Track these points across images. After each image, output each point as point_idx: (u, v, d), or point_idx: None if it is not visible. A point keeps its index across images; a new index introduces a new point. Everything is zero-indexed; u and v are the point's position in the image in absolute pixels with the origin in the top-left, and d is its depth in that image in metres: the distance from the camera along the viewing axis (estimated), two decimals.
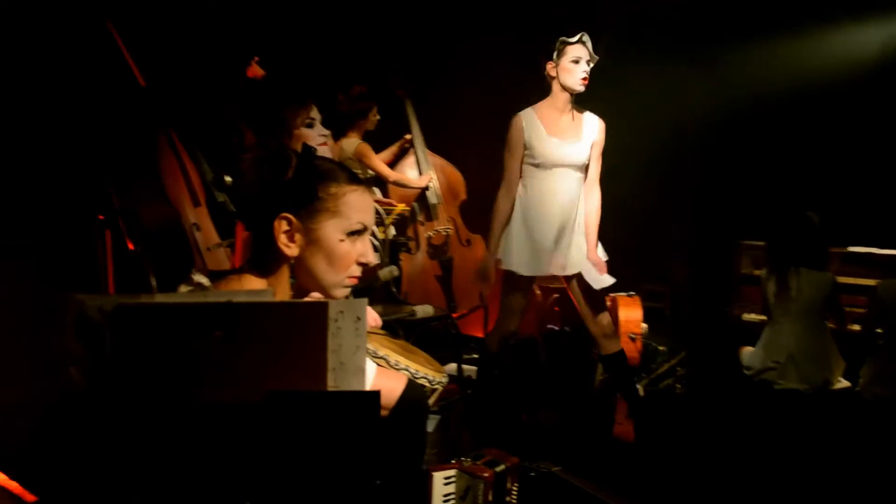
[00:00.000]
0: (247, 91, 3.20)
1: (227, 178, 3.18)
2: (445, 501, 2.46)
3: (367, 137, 4.66)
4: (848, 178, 4.64)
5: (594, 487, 2.89)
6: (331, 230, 1.54)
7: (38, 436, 1.90)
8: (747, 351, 3.87)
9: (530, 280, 3.63)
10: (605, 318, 3.56)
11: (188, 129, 3.36)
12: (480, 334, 4.98)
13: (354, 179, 1.60)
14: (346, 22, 4.72)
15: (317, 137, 2.82)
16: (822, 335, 3.64)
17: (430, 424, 3.50)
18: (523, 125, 3.49)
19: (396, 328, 3.47)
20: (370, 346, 2.55)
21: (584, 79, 3.41)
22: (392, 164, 4.90)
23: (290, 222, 1.52)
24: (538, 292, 4.66)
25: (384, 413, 2.33)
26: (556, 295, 4.67)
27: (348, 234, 1.56)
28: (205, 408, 1.02)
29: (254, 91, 3.16)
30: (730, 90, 4.99)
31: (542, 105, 3.52)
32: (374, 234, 3.85)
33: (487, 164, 5.43)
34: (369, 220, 1.60)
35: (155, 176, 3.22)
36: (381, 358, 2.52)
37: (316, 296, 1.88)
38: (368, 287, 3.64)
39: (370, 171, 4.46)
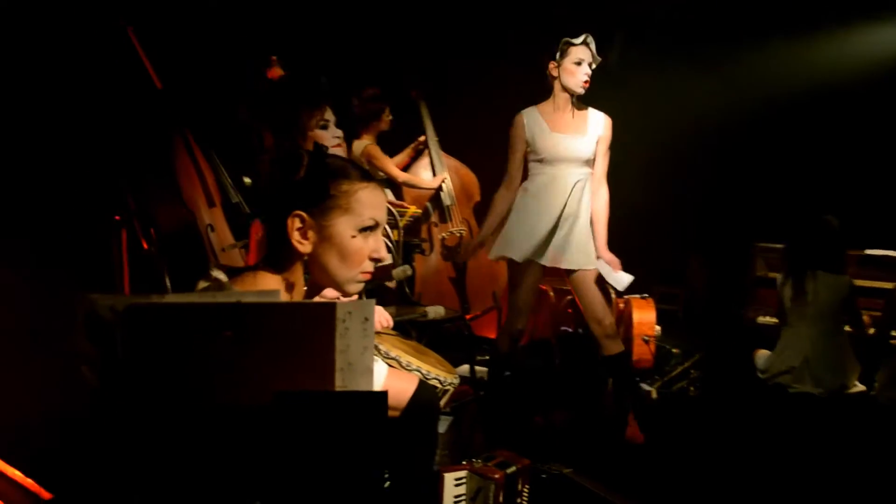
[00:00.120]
0: (262, 93, 3.22)
1: (246, 180, 3.21)
2: (456, 502, 2.47)
3: (382, 138, 4.68)
4: (864, 180, 4.61)
5: (605, 489, 2.88)
6: (343, 227, 1.56)
7: (54, 434, 1.93)
8: (762, 354, 3.85)
9: (535, 277, 3.62)
10: (607, 318, 3.56)
11: (204, 130, 3.39)
12: (493, 335, 4.99)
13: (366, 176, 1.63)
14: (359, 24, 4.74)
15: (331, 139, 2.84)
16: (839, 339, 3.62)
17: (442, 425, 3.51)
18: (525, 122, 3.53)
19: (409, 329, 3.49)
20: (382, 347, 2.55)
21: (586, 81, 3.43)
22: (408, 166, 4.91)
23: (302, 220, 1.55)
24: (551, 294, 4.66)
25: (395, 414, 2.34)
26: (569, 297, 4.67)
27: (360, 231, 1.58)
28: (214, 407, 1.03)
29: (269, 93, 3.18)
30: (746, 91, 4.98)
31: (545, 103, 3.57)
32: (387, 236, 3.87)
33: (502, 166, 5.45)
34: (381, 216, 1.62)
35: (171, 177, 3.25)
36: (392, 359, 2.53)
37: (330, 294, 1.89)
38: (382, 286, 3.66)
39: (381, 174, 4.47)
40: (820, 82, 4.80)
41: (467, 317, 4.35)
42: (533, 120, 3.53)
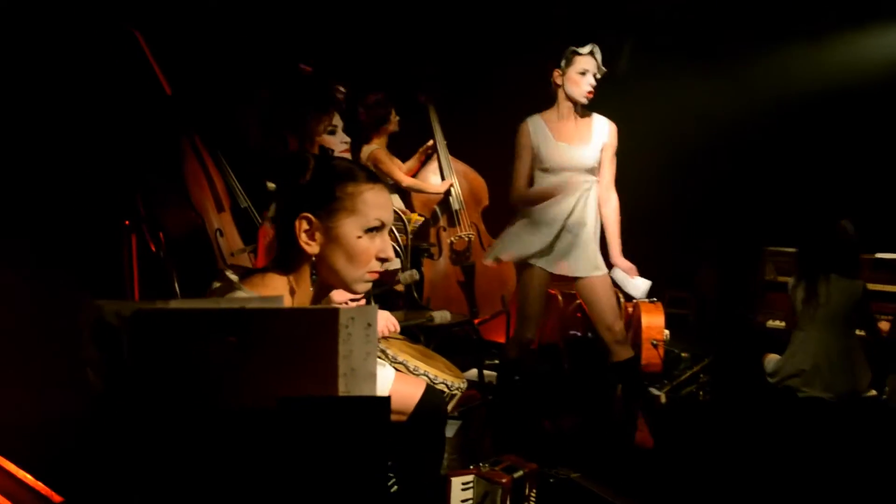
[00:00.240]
0: (271, 99, 3.24)
1: (270, 185, 3.24)
2: None
3: (393, 140, 4.70)
4: (874, 183, 4.59)
5: (613, 494, 2.88)
6: (349, 228, 1.59)
7: (64, 438, 1.94)
8: (771, 358, 3.84)
9: (543, 285, 3.61)
10: (617, 324, 3.53)
11: (213, 136, 3.41)
12: (502, 340, 4.99)
13: (371, 178, 1.65)
14: (368, 29, 4.75)
15: (339, 144, 2.85)
16: (850, 343, 3.60)
17: (451, 430, 3.52)
18: (530, 130, 3.51)
19: (417, 333, 3.49)
20: (389, 352, 2.57)
21: (590, 92, 3.41)
22: (417, 172, 4.93)
23: (310, 221, 1.58)
24: (560, 298, 4.66)
25: (403, 418, 2.35)
26: (577, 301, 4.66)
27: (366, 231, 1.61)
28: (219, 412, 1.04)
29: (278, 99, 3.19)
30: (755, 95, 4.97)
31: (549, 111, 3.55)
32: (395, 241, 3.88)
33: (510, 171, 5.46)
34: (387, 216, 1.65)
35: (180, 182, 3.27)
36: (400, 363, 2.54)
37: (338, 297, 1.91)
38: (391, 290, 3.67)
39: (389, 179, 4.49)
40: (828, 85, 4.79)
41: (476, 321, 4.36)
42: (538, 128, 3.51)
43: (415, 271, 3.09)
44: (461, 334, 4.11)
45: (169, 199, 3.24)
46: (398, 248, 3.76)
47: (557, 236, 3.48)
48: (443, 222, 4.86)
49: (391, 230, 3.81)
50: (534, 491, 2.59)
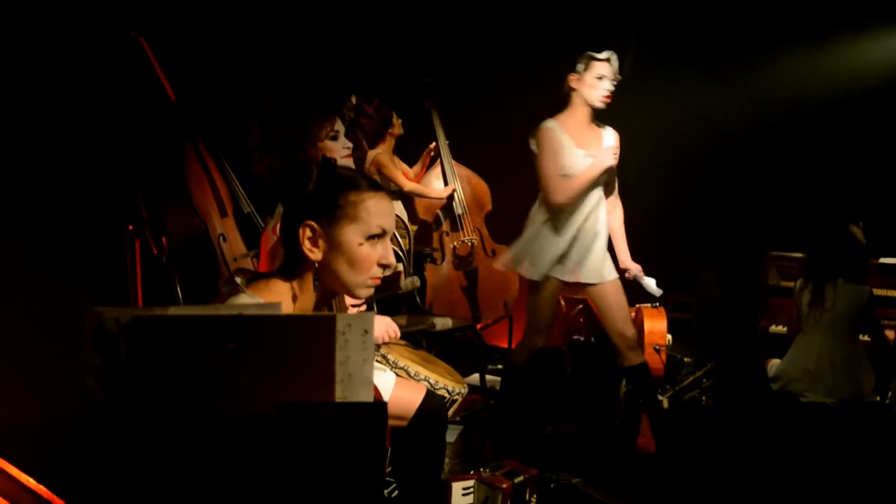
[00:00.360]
0: (274, 102, 3.24)
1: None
2: None
3: (399, 145, 4.72)
4: (877, 188, 4.59)
5: (614, 499, 2.88)
6: (351, 235, 1.62)
7: (66, 442, 1.95)
8: (774, 363, 3.83)
9: (555, 294, 3.60)
10: (629, 329, 3.52)
11: (216, 141, 3.42)
12: (505, 345, 5.00)
13: (373, 186, 1.69)
14: (372, 34, 4.77)
15: (341, 150, 2.85)
16: (854, 348, 3.59)
17: (452, 434, 3.53)
18: (553, 133, 3.45)
19: (419, 339, 3.50)
20: (390, 357, 2.57)
21: (607, 97, 3.38)
22: (424, 174, 4.95)
23: (313, 229, 1.62)
24: (563, 303, 4.67)
25: (403, 423, 2.35)
26: (580, 306, 4.67)
27: (368, 238, 1.64)
28: (217, 418, 1.05)
29: (281, 102, 3.20)
30: (758, 100, 4.97)
31: (564, 117, 3.49)
32: (398, 246, 3.89)
33: (514, 176, 5.47)
34: (388, 224, 1.68)
35: (183, 187, 3.29)
36: (401, 368, 2.55)
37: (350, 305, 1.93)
38: (391, 297, 3.67)
39: (392, 185, 4.50)
40: (832, 89, 4.78)
41: (478, 326, 4.37)
42: (559, 133, 3.45)
43: (416, 278, 3.09)
44: (464, 339, 4.11)
45: (172, 204, 3.26)
46: (401, 253, 3.77)
47: (573, 245, 3.46)
48: (446, 227, 4.87)
49: (394, 235, 3.83)
50: (534, 496, 2.59)
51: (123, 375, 1.06)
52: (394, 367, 2.55)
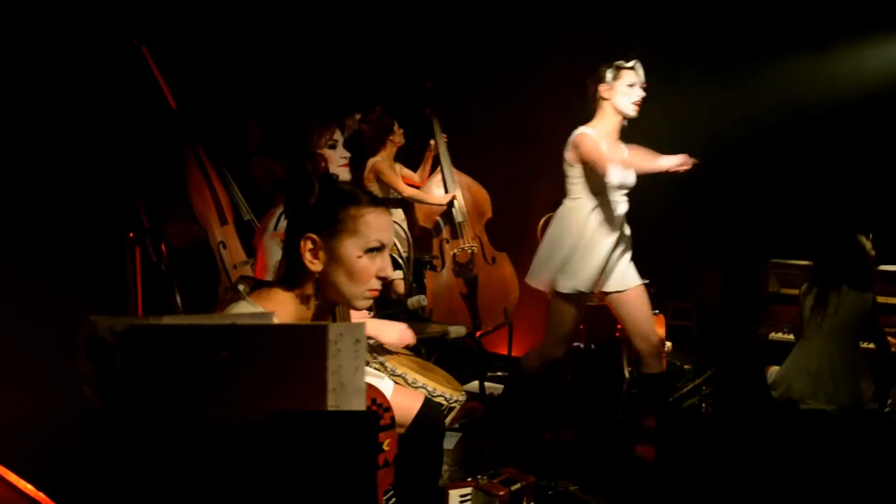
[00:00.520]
0: (275, 108, 3.26)
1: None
2: None
3: (401, 151, 4.74)
4: (876, 195, 4.59)
5: None
6: (350, 248, 1.69)
7: (65, 449, 1.97)
8: (773, 370, 3.83)
9: (581, 307, 3.56)
10: (654, 336, 3.47)
11: (217, 149, 3.44)
12: (504, 352, 5.00)
13: (373, 202, 1.75)
14: (373, 43, 4.79)
15: (338, 159, 2.87)
16: (853, 356, 3.59)
17: (451, 442, 3.53)
18: (595, 140, 3.37)
19: (419, 346, 3.51)
20: (388, 364, 2.58)
21: (638, 104, 3.35)
22: (429, 176, 4.98)
23: (314, 241, 1.69)
24: None
25: (401, 431, 2.36)
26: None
27: (366, 251, 1.70)
28: (210, 426, 1.06)
29: (281, 108, 3.22)
30: (758, 106, 4.97)
31: (596, 126, 3.42)
32: (398, 253, 3.90)
33: (514, 183, 5.48)
34: (387, 238, 1.75)
35: (184, 195, 3.31)
36: (398, 376, 2.56)
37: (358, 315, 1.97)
38: (391, 300, 3.68)
39: (392, 190, 4.51)
40: (833, 96, 4.78)
41: (478, 333, 4.37)
42: (599, 140, 3.36)
43: (423, 297, 3.16)
44: (463, 346, 4.12)
45: (172, 212, 3.28)
46: (400, 260, 3.78)
47: (608, 260, 3.42)
48: (445, 234, 4.88)
49: (394, 242, 3.83)
50: (532, 503, 2.60)
51: (118, 384, 1.07)
52: (392, 374, 2.56)
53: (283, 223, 1.81)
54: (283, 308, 1.68)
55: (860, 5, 4.60)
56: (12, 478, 1.94)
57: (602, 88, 3.38)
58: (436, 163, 4.99)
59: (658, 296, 4.14)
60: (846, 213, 4.35)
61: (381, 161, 4.50)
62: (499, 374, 4.77)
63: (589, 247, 3.40)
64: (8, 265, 2.83)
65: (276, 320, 1.49)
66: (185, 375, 1.07)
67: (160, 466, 1.07)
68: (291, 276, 1.73)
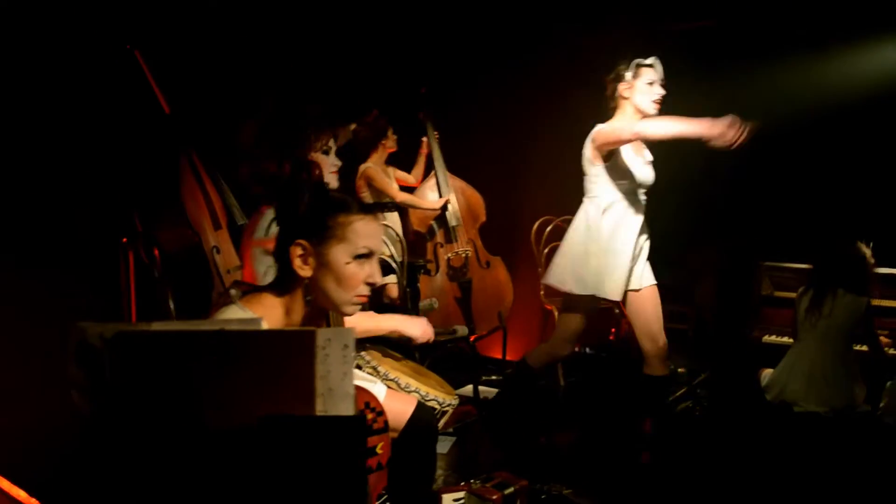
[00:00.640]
0: (274, 108, 3.26)
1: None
2: None
3: (396, 157, 4.75)
4: (870, 198, 4.60)
5: None
6: (339, 254, 1.72)
7: (57, 455, 1.97)
8: (767, 373, 3.84)
9: (596, 306, 3.56)
10: (662, 338, 3.48)
11: (210, 154, 3.44)
12: (499, 355, 5.00)
13: (363, 209, 1.78)
14: (367, 48, 4.80)
15: (330, 165, 2.87)
16: (847, 358, 3.60)
17: (445, 446, 3.54)
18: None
19: (413, 350, 3.51)
20: (381, 369, 2.59)
21: (658, 102, 3.36)
22: (424, 174, 5.00)
23: (304, 248, 1.72)
24: (556, 314, 4.67)
25: (394, 435, 2.36)
26: None
27: (355, 258, 1.73)
28: (199, 431, 1.07)
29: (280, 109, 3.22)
30: (754, 110, 4.97)
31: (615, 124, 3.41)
32: (392, 257, 3.90)
33: (508, 187, 5.49)
34: (375, 245, 1.78)
35: (177, 200, 3.31)
36: (391, 380, 2.56)
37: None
38: (384, 304, 3.68)
39: (384, 196, 4.52)
40: (829, 100, 4.78)
41: (472, 337, 4.38)
42: None
43: (435, 300, 3.19)
44: (456, 350, 4.12)
45: (166, 217, 3.27)
46: (394, 265, 3.79)
47: (632, 255, 3.42)
48: (440, 238, 4.89)
49: (388, 245, 3.84)
50: None
51: (107, 390, 1.07)
52: (384, 378, 2.56)
53: (275, 229, 1.83)
54: (272, 313, 1.71)
55: (857, 7, 4.61)
56: (5, 484, 1.94)
57: (622, 87, 3.38)
58: (429, 162, 5.00)
59: None
60: (846, 218, 4.36)
61: (372, 167, 4.50)
62: (493, 378, 4.78)
63: (612, 251, 3.40)
64: (1, 270, 2.84)
65: (265, 325, 1.50)
66: (173, 381, 1.07)
67: (149, 472, 1.07)
68: (282, 281, 1.76)
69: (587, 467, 3.47)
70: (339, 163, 2.71)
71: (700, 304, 5.30)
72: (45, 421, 2.41)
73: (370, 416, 2.27)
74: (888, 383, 3.58)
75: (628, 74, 3.36)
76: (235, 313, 1.67)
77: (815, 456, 3.45)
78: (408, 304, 3.90)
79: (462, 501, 2.49)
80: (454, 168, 5.00)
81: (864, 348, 3.75)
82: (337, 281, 1.72)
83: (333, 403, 1.10)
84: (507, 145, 5.44)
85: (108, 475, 1.09)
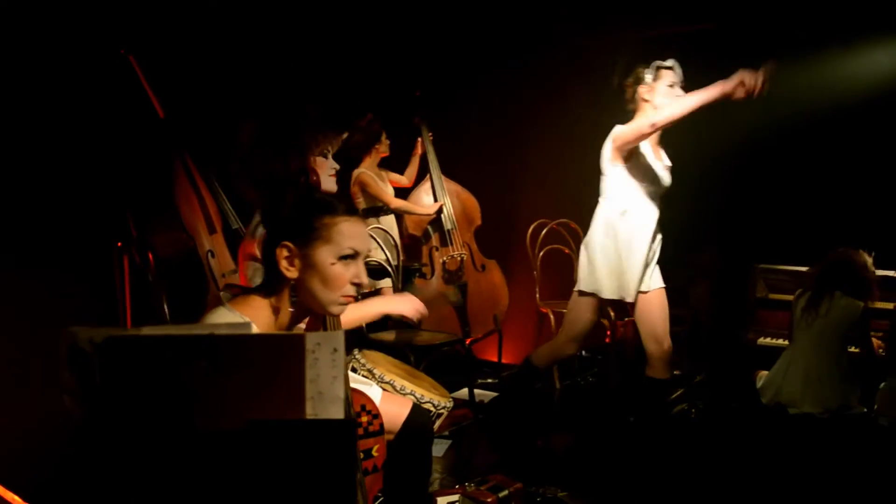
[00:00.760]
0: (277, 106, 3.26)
1: None
2: None
3: (390, 161, 4.75)
4: (865, 201, 4.61)
5: None
6: (324, 255, 1.73)
7: (52, 461, 1.96)
8: (762, 375, 3.85)
9: (603, 305, 3.56)
10: (667, 340, 3.47)
11: (205, 159, 3.45)
12: (494, 359, 5.01)
13: (348, 211, 1.79)
14: (362, 52, 4.80)
15: (328, 168, 2.88)
16: (841, 360, 3.61)
17: (441, 449, 3.54)
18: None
19: (407, 353, 3.52)
20: (376, 371, 2.59)
21: None
22: (418, 174, 5.01)
23: (289, 249, 1.72)
24: (552, 317, 4.68)
25: (389, 437, 2.37)
26: None
27: (340, 259, 1.74)
28: (189, 436, 1.07)
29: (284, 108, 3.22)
30: (750, 114, 4.98)
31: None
32: (388, 261, 3.91)
33: (503, 191, 5.50)
34: (360, 245, 1.78)
35: (171, 204, 3.31)
36: (386, 383, 2.56)
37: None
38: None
39: (378, 202, 4.52)
40: (822, 103, 4.79)
41: (468, 340, 4.39)
42: (643, 144, 3.36)
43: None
44: (452, 353, 4.12)
45: (160, 221, 3.28)
46: (389, 268, 3.79)
47: (646, 258, 3.42)
48: (435, 242, 4.89)
49: (382, 249, 3.84)
50: None
51: (98, 394, 1.08)
52: (380, 381, 2.57)
53: (261, 230, 1.84)
54: (259, 314, 1.72)
55: (856, 10, 4.62)
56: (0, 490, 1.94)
57: (642, 90, 3.37)
58: (423, 163, 5.00)
59: None
60: (844, 221, 4.37)
61: (366, 173, 4.50)
62: (488, 381, 4.78)
63: (628, 252, 3.40)
64: None
65: (254, 328, 1.51)
66: (163, 385, 1.08)
67: (140, 476, 1.08)
68: (269, 283, 1.77)
69: (582, 470, 3.48)
70: (337, 166, 2.71)
71: (695, 307, 5.31)
72: (41, 425, 2.40)
73: (366, 418, 2.28)
74: (882, 385, 3.59)
75: (648, 77, 3.36)
76: (224, 315, 1.68)
77: (810, 457, 3.46)
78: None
79: None
80: (449, 171, 5.01)
81: (857, 350, 3.76)
82: (323, 282, 1.73)
83: (323, 407, 1.10)
84: (502, 148, 5.45)
85: (99, 479, 1.10)
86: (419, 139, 4.98)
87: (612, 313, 4.49)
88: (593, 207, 3.57)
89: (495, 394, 4.39)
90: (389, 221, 4.58)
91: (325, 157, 2.89)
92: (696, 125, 4.94)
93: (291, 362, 1.08)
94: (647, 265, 3.44)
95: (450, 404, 2.70)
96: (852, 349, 3.73)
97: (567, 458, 3.70)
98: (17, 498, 1.93)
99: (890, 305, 4.03)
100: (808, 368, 3.59)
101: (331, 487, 1.09)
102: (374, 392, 2.44)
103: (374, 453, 2.29)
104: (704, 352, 4.86)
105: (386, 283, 4.04)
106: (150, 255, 3.06)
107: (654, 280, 3.50)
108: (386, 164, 4.80)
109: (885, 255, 4.25)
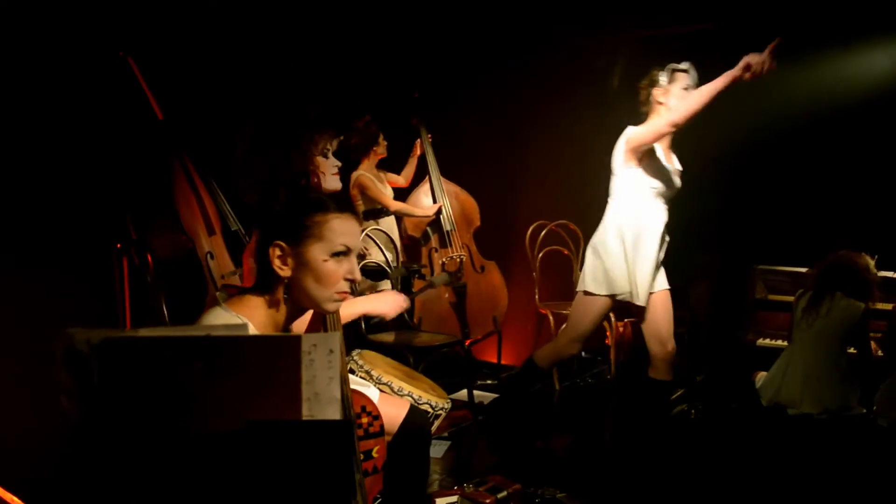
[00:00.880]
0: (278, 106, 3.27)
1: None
2: None
3: (388, 163, 4.76)
4: (864, 202, 4.62)
5: None
6: (317, 252, 1.74)
7: (50, 462, 1.97)
8: (761, 376, 3.85)
9: (610, 307, 3.54)
10: (671, 342, 3.46)
11: (204, 160, 3.45)
12: (494, 360, 5.02)
13: (340, 208, 1.80)
14: (360, 53, 4.81)
15: (331, 167, 2.88)
16: (840, 361, 3.61)
17: (440, 450, 3.54)
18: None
19: (406, 354, 3.52)
20: (374, 373, 2.59)
21: None
22: (415, 174, 5.01)
23: (282, 248, 1.74)
24: (551, 318, 4.69)
25: (387, 438, 2.37)
26: None
27: (332, 255, 1.75)
28: (186, 436, 1.07)
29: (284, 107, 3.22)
30: (750, 114, 4.98)
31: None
32: (387, 262, 3.91)
33: (502, 192, 5.50)
34: (352, 242, 1.79)
35: (171, 206, 3.31)
36: (384, 384, 2.57)
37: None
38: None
39: (378, 204, 4.52)
40: (823, 104, 4.79)
41: (467, 342, 4.39)
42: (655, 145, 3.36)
43: (446, 275, 3.16)
44: (451, 355, 4.13)
45: (160, 223, 3.28)
46: (388, 269, 3.79)
47: (655, 261, 3.41)
48: (434, 243, 4.90)
49: (382, 251, 3.84)
50: None
51: (95, 395, 1.08)
52: (377, 382, 2.57)
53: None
54: (255, 313, 1.73)
55: (856, 11, 4.62)
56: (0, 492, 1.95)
57: (657, 93, 3.36)
58: (421, 164, 5.01)
59: None
60: (844, 222, 4.37)
61: (365, 175, 4.51)
62: (488, 382, 4.78)
63: (639, 254, 3.39)
64: None
65: (251, 328, 1.51)
66: (160, 386, 1.08)
67: (136, 477, 1.08)
68: (263, 282, 1.78)
69: (580, 471, 3.48)
70: (339, 164, 2.71)
71: (695, 308, 5.31)
72: (40, 425, 2.41)
73: (366, 419, 2.28)
74: (881, 385, 3.59)
75: (663, 80, 3.35)
76: (220, 315, 1.69)
77: (809, 458, 3.46)
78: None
79: None
80: (448, 172, 5.02)
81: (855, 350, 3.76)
82: (316, 279, 1.73)
83: (320, 408, 1.10)
84: (501, 149, 5.45)
85: (97, 480, 1.10)
86: (418, 140, 4.98)
87: (611, 315, 4.49)
88: (593, 208, 3.57)
89: (495, 395, 4.40)
90: (389, 223, 4.58)
91: (326, 156, 2.89)
92: (696, 126, 4.97)
93: (288, 363, 1.08)
94: (657, 267, 3.44)
95: (448, 405, 2.70)
96: (851, 350, 3.73)
97: (564, 459, 3.70)
98: (16, 499, 1.93)
99: (888, 306, 4.03)
100: (808, 369, 3.59)
101: (328, 488, 1.09)
102: (371, 393, 2.44)
103: (375, 454, 2.29)
104: (704, 353, 4.86)
105: (385, 284, 4.04)
106: (150, 257, 3.06)
107: (660, 282, 3.50)
108: (385, 166, 4.80)
109: (884, 256, 4.26)
